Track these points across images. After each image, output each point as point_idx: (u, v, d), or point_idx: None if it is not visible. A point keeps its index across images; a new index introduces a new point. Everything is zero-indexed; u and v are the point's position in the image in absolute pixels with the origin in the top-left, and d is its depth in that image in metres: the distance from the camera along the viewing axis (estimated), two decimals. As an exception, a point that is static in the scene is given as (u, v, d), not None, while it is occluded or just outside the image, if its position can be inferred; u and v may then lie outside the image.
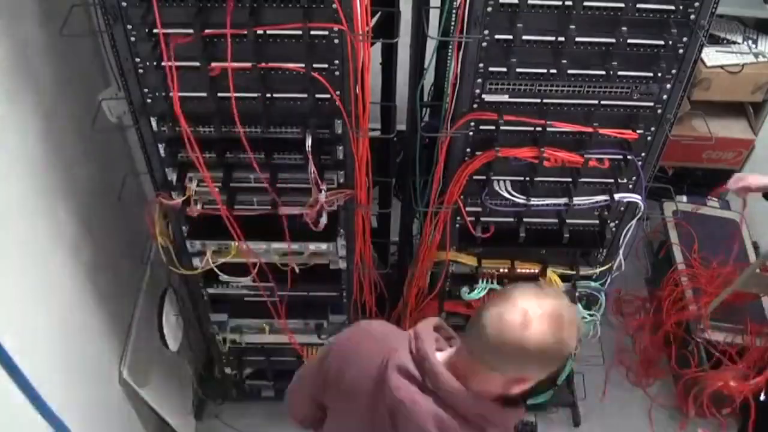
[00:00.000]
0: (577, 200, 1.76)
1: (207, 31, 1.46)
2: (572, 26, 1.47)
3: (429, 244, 1.91)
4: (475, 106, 1.63)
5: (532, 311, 1.09)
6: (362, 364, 1.31)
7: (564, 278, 1.99)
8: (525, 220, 1.84)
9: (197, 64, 1.52)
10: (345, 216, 1.87)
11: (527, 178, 1.74)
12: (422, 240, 1.92)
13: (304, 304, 2.18)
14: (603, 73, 1.55)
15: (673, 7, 1.46)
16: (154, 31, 1.47)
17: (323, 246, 1.92)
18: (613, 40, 1.49)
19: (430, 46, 1.78)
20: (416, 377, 1.21)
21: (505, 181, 1.75)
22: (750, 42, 2.77)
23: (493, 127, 1.64)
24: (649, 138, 1.69)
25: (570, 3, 1.45)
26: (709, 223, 2.93)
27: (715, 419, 2.65)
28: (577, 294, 2.05)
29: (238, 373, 2.54)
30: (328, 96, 1.57)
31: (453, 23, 1.58)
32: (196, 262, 1.96)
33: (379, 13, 1.57)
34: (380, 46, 1.76)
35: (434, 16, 1.67)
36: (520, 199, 1.74)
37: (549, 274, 1.97)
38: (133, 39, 1.50)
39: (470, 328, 1.17)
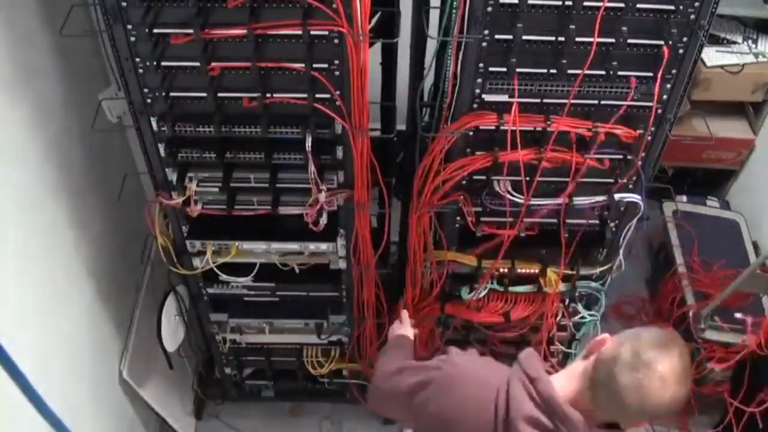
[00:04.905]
0: (577, 200, 1.76)
1: (206, 30, 1.46)
2: (572, 26, 1.47)
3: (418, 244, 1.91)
4: (475, 106, 1.63)
5: (668, 374, 1.15)
6: (467, 413, 1.31)
7: (564, 278, 1.99)
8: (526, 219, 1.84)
9: (197, 64, 1.52)
10: (345, 216, 1.87)
11: (527, 178, 1.74)
12: (410, 240, 1.92)
13: (304, 304, 2.18)
14: (603, 73, 1.55)
15: (673, 7, 1.46)
16: (154, 31, 1.48)
17: (323, 246, 1.93)
18: (613, 40, 1.49)
19: (431, 46, 1.78)
20: (549, 427, 1.23)
21: (505, 181, 1.75)
22: (750, 42, 2.77)
23: (493, 127, 1.64)
24: (649, 138, 1.69)
25: (570, 3, 1.45)
26: (709, 223, 2.93)
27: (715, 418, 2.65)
28: (577, 294, 2.05)
29: (238, 373, 2.54)
30: (328, 96, 1.58)
31: (453, 23, 1.58)
32: (196, 262, 1.96)
33: (379, 13, 1.57)
34: (380, 46, 1.76)
35: (434, 16, 1.67)
36: (520, 199, 1.74)
37: (549, 274, 1.97)
38: (133, 39, 1.50)
39: (600, 388, 1.20)
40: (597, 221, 1.88)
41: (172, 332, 2.20)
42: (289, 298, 2.14)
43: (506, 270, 1.98)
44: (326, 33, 1.48)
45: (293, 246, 1.93)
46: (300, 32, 1.47)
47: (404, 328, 1.84)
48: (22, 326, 1.62)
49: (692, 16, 1.48)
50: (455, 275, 2.03)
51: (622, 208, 1.84)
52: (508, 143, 1.61)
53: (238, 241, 1.90)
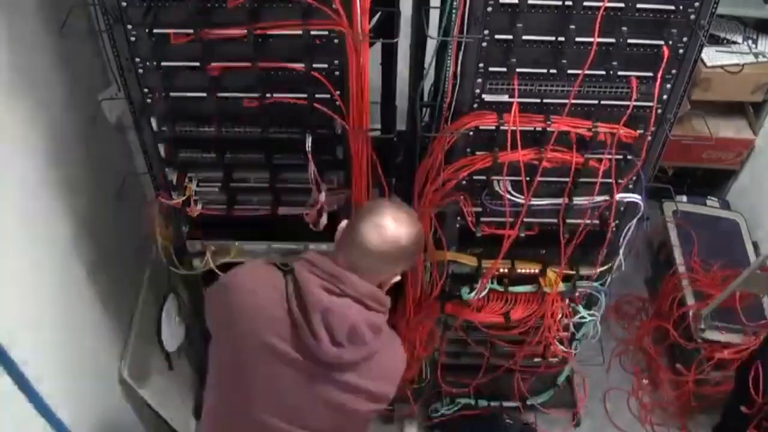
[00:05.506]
0: (577, 200, 1.76)
1: (206, 30, 1.46)
2: (572, 26, 1.47)
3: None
4: (475, 106, 1.63)
5: (397, 215, 1.38)
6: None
7: (564, 278, 1.99)
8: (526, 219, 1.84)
9: (197, 64, 1.52)
10: (345, 216, 1.86)
11: (527, 178, 1.74)
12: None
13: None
14: (603, 73, 1.55)
15: (673, 7, 1.46)
16: (154, 31, 1.48)
17: (323, 246, 1.92)
18: (613, 40, 1.49)
19: (431, 46, 1.78)
20: (335, 291, 1.36)
21: (505, 181, 1.75)
22: (750, 42, 2.77)
23: (493, 127, 1.64)
24: (649, 138, 1.69)
25: (570, 3, 1.45)
26: (709, 223, 2.93)
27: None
28: (577, 294, 2.05)
29: (238, 373, 2.54)
30: (328, 96, 1.58)
31: (453, 23, 1.58)
32: (196, 262, 1.96)
33: (379, 13, 1.57)
34: (380, 46, 1.76)
35: (434, 16, 1.67)
36: (520, 199, 1.74)
37: (549, 274, 1.97)
38: (133, 39, 1.50)
39: (348, 246, 1.38)
40: (597, 221, 1.88)
41: (172, 332, 2.20)
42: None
43: (506, 270, 1.98)
44: (326, 33, 1.49)
45: (293, 246, 1.92)
46: (300, 32, 1.47)
47: None
48: (22, 326, 1.62)
49: (692, 16, 1.48)
50: (455, 275, 2.03)
51: (622, 208, 1.84)
52: (508, 143, 1.61)
53: (238, 241, 1.90)
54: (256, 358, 1.39)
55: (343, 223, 1.47)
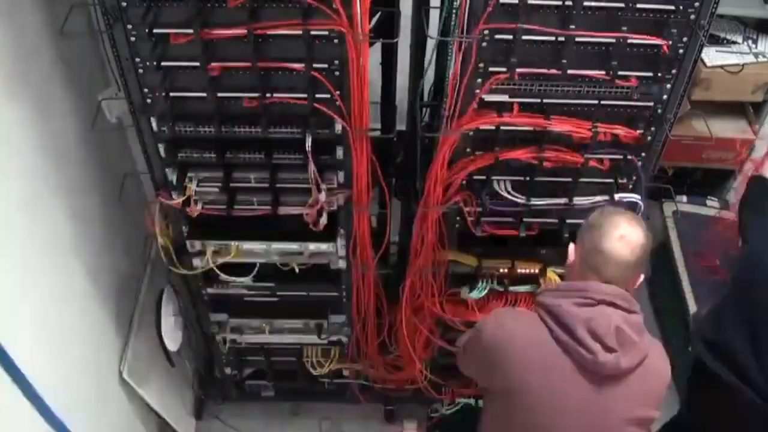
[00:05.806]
0: (577, 200, 1.76)
1: (206, 30, 1.46)
2: (572, 26, 1.47)
3: (422, 244, 1.91)
4: (475, 106, 1.63)
5: (629, 221, 1.44)
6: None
7: (564, 278, 1.99)
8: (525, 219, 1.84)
9: (197, 64, 1.52)
10: (345, 216, 1.87)
11: (527, 178, 1.74)
12: (414, 240, 1.92)
13: (304, 304, 2.18)
14: (603, 73, 1.55)
15: (673, 7, 1.46)
16: (154, 31, 1.48)
17: (323, 246, 1.92)
18: (613, 40, 1.49)
19: (431, 46, 1.78)
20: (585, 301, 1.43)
21: (505, 181, 1.75)
22: (750, 42, 2.76)
23: (493, 127, 1.64)
24: (649, 138, 1.69)
25: (570, 3, 1.45)
26: (709, 223, 2.93)
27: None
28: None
29: (238, 373, 2.54)
30: (328, 96, 1.58)
31: (453, 23, 1.58)
32: (196, 262, 1.96)
33: (379, 13, 1.58)
34: (380, 46, 1.76)
35: (434, 16, 1.67)
36: (520, 199, 1.74)
37: (549, 274, 1.97)
38: (133, 39, 1.50)
39: (593, 266, 1.44)
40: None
41: (172, 331, 2.21)
42: (289, 298, 2.14)
43: (506, 270, 1.98)
44: (326, 33, 1.48)
45: (293, 246, 1.92)
46: (300, 32, 1.47)
47: None
48: (21, 326, 1.62)
49: (692, 16, 1.48)
50: (455, 275, 2.03)
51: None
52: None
53: (238, 241, 1.90)
54: (540, 398, 1.45)
55: (572, 246, 1.51)
